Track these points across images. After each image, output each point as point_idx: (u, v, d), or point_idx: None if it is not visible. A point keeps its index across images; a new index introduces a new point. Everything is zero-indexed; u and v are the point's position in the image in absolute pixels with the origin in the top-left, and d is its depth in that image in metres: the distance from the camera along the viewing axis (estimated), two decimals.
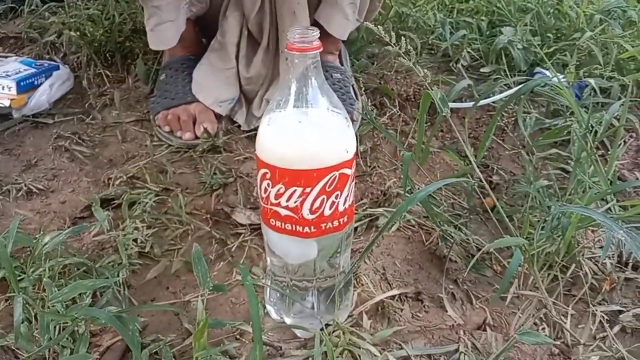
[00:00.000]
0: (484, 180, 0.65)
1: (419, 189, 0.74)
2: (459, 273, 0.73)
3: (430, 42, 1.40)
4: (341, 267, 0.61)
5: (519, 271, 0.71)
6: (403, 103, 1.14)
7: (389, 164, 0.98)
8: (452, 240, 0.76)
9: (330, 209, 0.55)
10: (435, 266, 0.74)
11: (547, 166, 0.97)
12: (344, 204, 0.56)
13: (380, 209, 0.81)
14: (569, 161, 0.96)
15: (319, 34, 0.53)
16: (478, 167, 0.96)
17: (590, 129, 0.87)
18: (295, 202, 0.54)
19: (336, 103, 0.56)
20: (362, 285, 0.69)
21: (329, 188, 0.54)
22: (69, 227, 0.81)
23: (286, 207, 0.55)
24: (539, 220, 0.79)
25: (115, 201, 0.85)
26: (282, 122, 0.54)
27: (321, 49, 0.54)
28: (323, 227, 0.56)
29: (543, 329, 0.65)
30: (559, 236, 0.70)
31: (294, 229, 0.56)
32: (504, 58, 1.22)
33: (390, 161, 0.98)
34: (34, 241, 0.65)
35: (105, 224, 0.75)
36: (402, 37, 0.62)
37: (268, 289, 0.64)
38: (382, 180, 0.92)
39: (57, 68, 1.16)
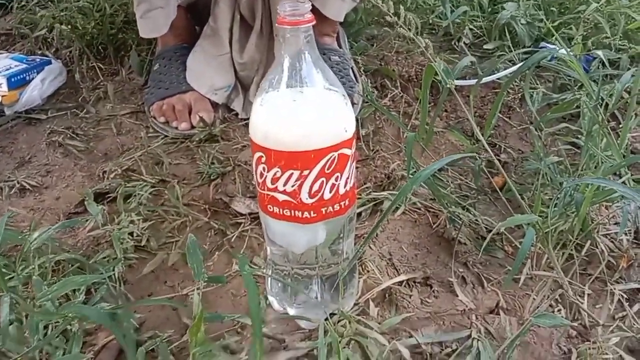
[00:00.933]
0: (494, 157, 0.62)
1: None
2: (469, 256, 0.70)
3: (430, 21, 1.36)
4: (344, 253, 0.58)
5: (531, 251, 0.68)
6: (405, 84, 1.11)
7: (393, 147, 0.94)
8: (460, 222, 0.73)
9: (330, 192, 0.52)
10: (444, 249, 0.71)
11: (557, 142, 0.93)
12: (344, 186, 0.53)
13: (385, 193, 0.78)
14: (579, 136, 0.92)
15: (311, 6, 0.50)
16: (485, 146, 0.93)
17: (601, 101, 0.84)
18: (292, 186, 0.51)
19: (333, 80, 0.53)
20: (368, 271, 0.66)
21: (328, 170, 0.51)
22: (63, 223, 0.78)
23: (284, 192, 0.52)
24: (550, 198, 0.75)
25: (110, 195, 0.82)
26: (275, 102, 0.51)
27: (314, 22, 0.50)
28: (324, 212, 0.53)
29: (559, 310, 0.62)
30: (572, 212, 0.67)
31: (292, 214, 0.53)
32: (507, 34, 1.18)
33: (393, 144, 0.95)
34: (22, 237, 0.62)
35: (99, 218, 0.73)
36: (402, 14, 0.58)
37: (269, 279, 0.61)
38: (385, 163, 0.89)
39: (49, 63, 1.13)
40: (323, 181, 0.51)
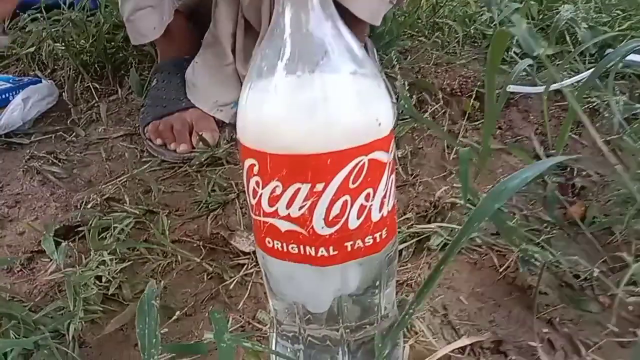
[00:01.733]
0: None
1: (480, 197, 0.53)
2: (554, 310, 0.51)
3: (472, 33, 1.20)
4: (382, 309, 0.40)
5: None
6: (447, 98, 0.93)
7: (437, 170, 0.76)
8: (540, 265, 0.53)
9: (358, 217, 0.34)
10: (518, 301, 0.52)
11: None
12: (380, 210, 0.35)
13: (432, 225, 0.60)
14: None
15: None
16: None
17: None
18: (300, 208, 0.34)
19: (357, 54, 0.35)
20: (416, 333, 0.48)
21: (354, 184, 0.33)
22: (21, 264, 0.62)
23: (287, 218, 0.34)
24: None
25: (82, 229, 0.66)
26: (271, 84, 0.34)
27: None
28: (349, 248, 0.35)
29: None
30: None
31: (302, 252, 0.35)
32: (568, 38, 1.00)
33: (437, 166, 0.77)
34: None
35: (56, 257, 0.56)
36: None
37: (275, 342, 0.43)
38: (429, 189, 0.71)
39: (38, 82, 1.00)
40: (347, 201, 0.34)
